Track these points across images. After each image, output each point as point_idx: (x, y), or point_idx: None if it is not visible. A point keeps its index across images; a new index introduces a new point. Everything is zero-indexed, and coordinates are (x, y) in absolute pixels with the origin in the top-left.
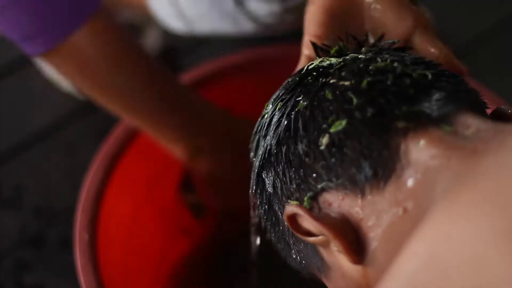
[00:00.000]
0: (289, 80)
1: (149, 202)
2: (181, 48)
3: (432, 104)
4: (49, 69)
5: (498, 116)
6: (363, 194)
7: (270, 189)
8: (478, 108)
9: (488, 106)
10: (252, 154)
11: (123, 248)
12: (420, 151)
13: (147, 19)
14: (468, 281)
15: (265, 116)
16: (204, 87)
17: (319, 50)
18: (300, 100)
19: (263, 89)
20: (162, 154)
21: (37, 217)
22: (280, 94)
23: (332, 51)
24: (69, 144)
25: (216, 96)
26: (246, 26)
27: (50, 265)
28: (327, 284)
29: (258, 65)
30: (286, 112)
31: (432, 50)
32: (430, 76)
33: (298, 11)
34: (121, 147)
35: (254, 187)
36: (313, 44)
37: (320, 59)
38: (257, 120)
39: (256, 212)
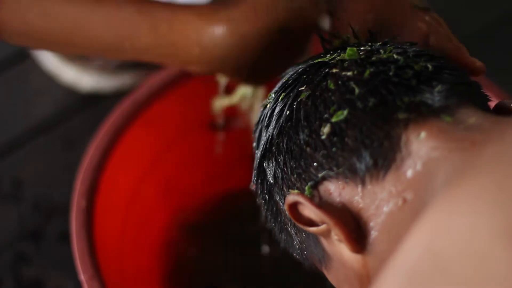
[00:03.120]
0: (292, 70)
1: (152, 176)
2: None
3: (434, 96)
4: (49, 62)
5: (501, 110)
6: (363, 183)
7: (271, 179)
8: (479, 101)
9: (490, 99)
10: (254, 144)
11: (121, 218)
12: (421, 142)
13: None
14: (469, 275)
15: (267, 106)
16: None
17: (325, 42)
18: (302, 90)
19: None
20: (169, 129)
21: (36, 211)
22: (283, 84)
23: (336, 43)
24: (69, 138)
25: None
26: None
27: (49, 259)
28: (327, 275)
29: None
30: (289, 102)
31: (448, 45)
32: (431, 68)
33: None
34: (127, 119)
35: (255, 177)
36: (320, 36)
37: (325, 51)
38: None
39: (257, 202)
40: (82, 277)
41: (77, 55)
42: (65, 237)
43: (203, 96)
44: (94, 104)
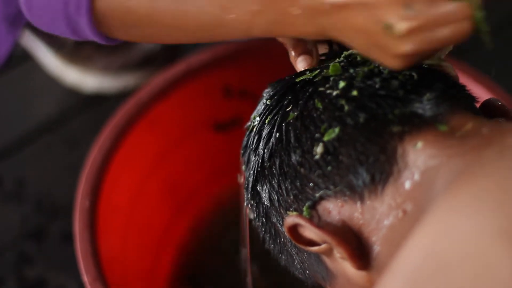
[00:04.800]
0: (273, 91)
1: (156, 177)
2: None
3: (424, 104)
4: (51, 64)
5: (488, 108)
6: (362, 199)
7: (266, 202)
8: (469, 103)
9: (477, 100)
10: (243, 168)
11: (124, 219)
12: (417, 153)
13: None
14: (469, 276)
15: (254, 130)
16: (217, 68)
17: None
18: (289, 110)
19: (276, 71)
20: (172, 130)
21: (38, 210)
22: (267, 106)
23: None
24: (71, 138)
25: (229, 77)
26: None
27: (51, 259)
28: None
29: (270, 49)
30: (276, 124)
31: None
32: (416, 76)
33: None
34: (131, 119)
35: (250, 200)
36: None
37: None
38: None
39: (253, 224)
40: (85, 278)
41: (174, 41)
42: (68, 237)
43: (206, 97)
44: (97, 104)
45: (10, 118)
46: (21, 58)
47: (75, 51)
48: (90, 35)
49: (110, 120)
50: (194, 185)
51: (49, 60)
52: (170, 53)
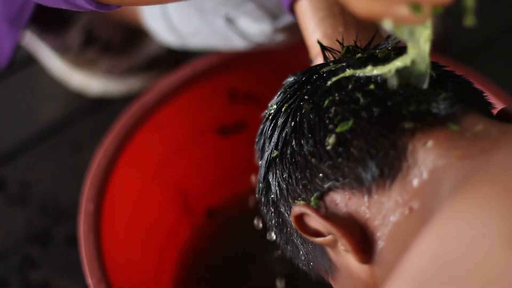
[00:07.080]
0: (293, 80)
1: (160, 181)
2: None
3: (439, 104)
4: (56, 67)
5: (504, 116)
6: (369, 193)
7: (276, 191)
8: (484, 108)
9: (493, 106)
10: (257, 156)
11: (129, 222)
12: (427, 151)
13: None
14: (475, 280)
15: (269, 118)
16: (223, 72)
17: (326, 50)
18: (305, 101)
19: (281, 76)
20: (177, 133)
21: (43, 214)
22: (285, 95)
23: (342, 53)
24: (76, 142)
25: (234, 81)
26: (238, 43)
27: (56, 262)
28: (334, 286)
29: (275, 53)
30: (292, 113)
31: None
32: (435, 76)
33: (288, 31)
34: (136, 123)
35: (260, 189)
36: (320, 44)
37: (327, 61)
38: None
39: (262, 214)
40: (90, 280)
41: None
42: (72, 241)
43: (211, 101)
44: (102, 108)
45: (14, 121)
46: (25, 61)
47: (80, 54)
48: (83, 2)
49: (115, 124)
50: (199, 189)
51: (54, 63)
52: (175, 56)
